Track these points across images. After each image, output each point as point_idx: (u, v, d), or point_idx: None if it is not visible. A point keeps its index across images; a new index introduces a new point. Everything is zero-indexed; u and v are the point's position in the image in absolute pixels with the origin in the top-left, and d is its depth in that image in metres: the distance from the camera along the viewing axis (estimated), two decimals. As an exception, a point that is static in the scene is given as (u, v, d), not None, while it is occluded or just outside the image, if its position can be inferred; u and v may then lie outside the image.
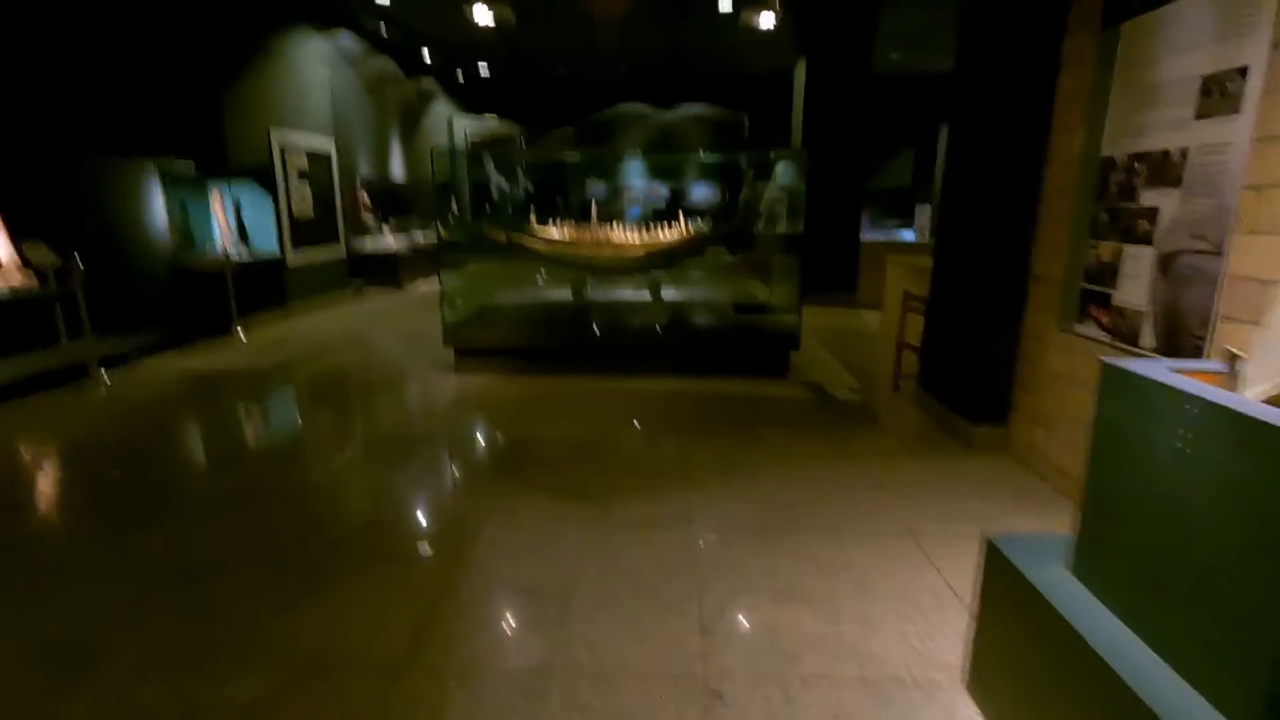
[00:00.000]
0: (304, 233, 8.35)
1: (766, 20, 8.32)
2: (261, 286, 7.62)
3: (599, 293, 6.31)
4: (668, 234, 5.80)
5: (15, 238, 5.69)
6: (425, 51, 11.97)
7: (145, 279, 7.14)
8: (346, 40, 9.88)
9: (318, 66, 8.85)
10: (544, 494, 3.35)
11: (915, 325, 4.87)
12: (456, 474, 3.70)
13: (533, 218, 6.20)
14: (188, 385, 5.34)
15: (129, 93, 6.22)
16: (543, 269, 6.41)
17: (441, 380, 5.41)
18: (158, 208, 7.21)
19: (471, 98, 15.21)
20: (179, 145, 6.75)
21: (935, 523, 3.05)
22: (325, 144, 8.93)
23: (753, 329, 5.64)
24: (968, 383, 4.07)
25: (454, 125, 14.52)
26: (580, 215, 6.77)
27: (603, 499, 3.30)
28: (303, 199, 8.33)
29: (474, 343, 5.54)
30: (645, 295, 6.23)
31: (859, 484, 3.50)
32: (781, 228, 6.20)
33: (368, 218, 11.51)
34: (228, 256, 6.86)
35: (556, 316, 5.79)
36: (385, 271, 10.49)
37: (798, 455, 3.90)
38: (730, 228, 6.57)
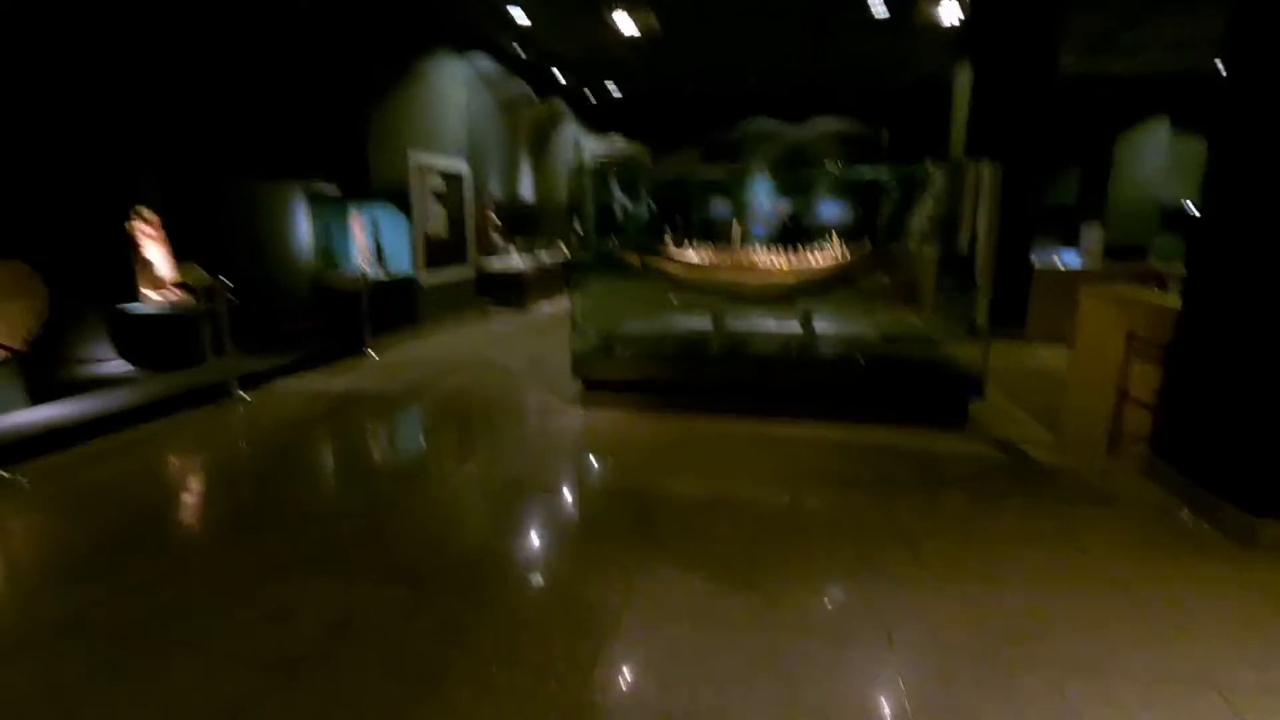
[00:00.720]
0: (437, 253, 8.37)
1: (950, 13, 7.46)
2: (395, 306, 7.65)
3: (740, 322, 5.71)
4: (820, 258, 5.12)
5: (175, 258, 5.91)
6: (557, 72, 11.98)
7: (290, 297, 7.33)
8: (484, 63, 9.98)
9: (456, 89, 8.94)
10: (691, 572, 2.77)
11: (1140, 374, 3.89)
12: (585, 538, 3.20)
13: (668, 239, 5.72)
14: (315, 410, 5.25)
15: (281, 119, 6.40)
16: (677, 295, 5.90)
17: (568, 415, 5.00)
18: (303, 229, 7.40)
19: (598, 118, 15.20)
20: (325, 168, 6.89)
21: (1248, 670, 2.17)
22: (459, 165, 8.98)
23: (922, 369, 4.82)
24: (1245, 460, 3.08)
25: (581, 145, 14.52)
26: (709, 236, 6.21)
27: (765, 586, 2.67)
28: (436, 220, 8.37)
29: (603, 375, 5.10)
30: (793, 326, 5.57)
31: (1105, 591, 2.65)
32: (939, 248, 5.33)
33: (496, 238, 11.59)
34: (364, 276, 6.90)
35: (694, 349, 5.24)
36: (510, 292, 10.44)
37: (1005, 538, 3.08)
38: (890, 250, 5.77)
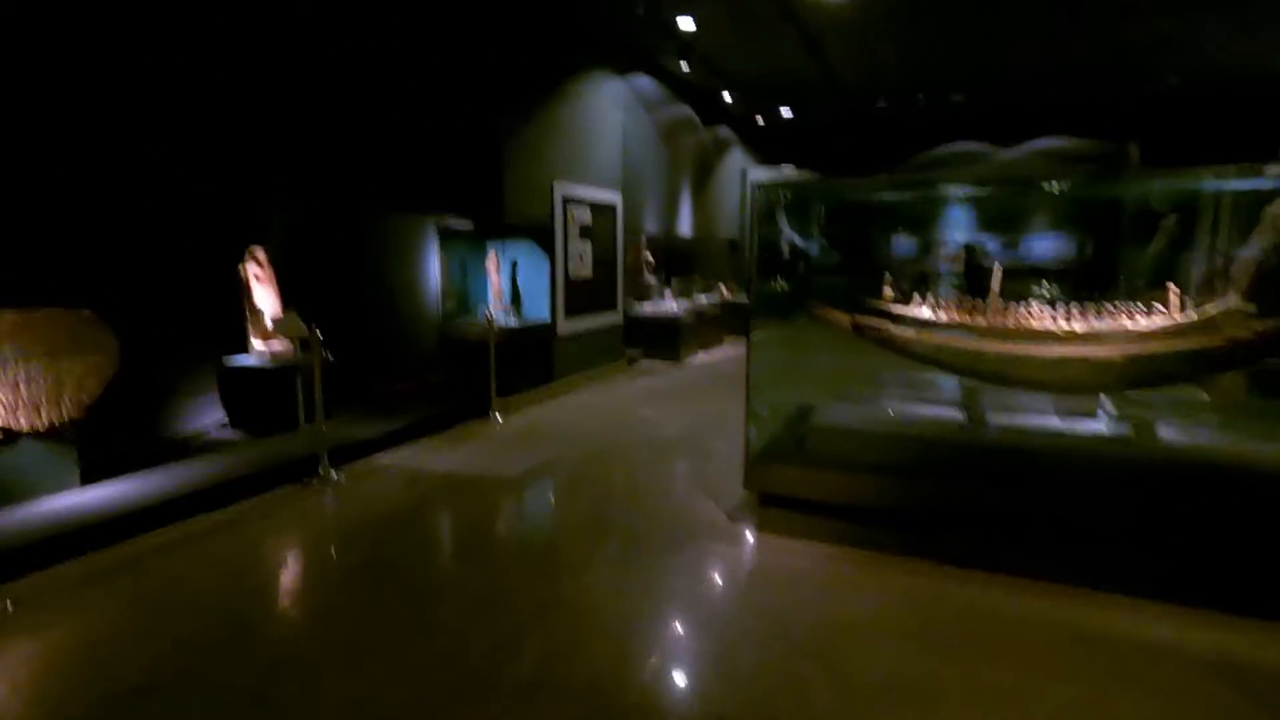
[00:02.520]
0: (579, 296, 7.22)
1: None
2: (528, 358, 6.54)
3: (1003, 412, 3.81)
4: (1151, 319, 3.13)
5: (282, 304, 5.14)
6: (726, 95, 10.68)
7: (412, 348, 6.45)
8: (643, 83, 8.89)
9: (611, 112, 7.87)
10: None
11: None
12: None
13: (886, 288, 4.00)
14: (407, 501, 4.10)
15: (409, 144, 5.55)
16: (907, 368, 4.12)
17: (735, 548, 3.41)
18: (433, 270, 6.53)
19: (768, 146, 13.70)
20: (457, 200, 5.97)
21: None
22: (611, 197, 7.85)
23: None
24: None
25: (748, 176, 13.08)
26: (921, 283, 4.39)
27: None
28: (581, 259, 7.24)
29: (790, 489, 3.44)
30: (1097, 426, 3.59)
31: None
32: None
33: (649, 278, 10.40)
34: (491, 324, 5.84)
35: (935, 455, 3.45)
36: (663, 340, 9.10)
37: None
38: None
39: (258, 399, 4.89)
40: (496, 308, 6.63)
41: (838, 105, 11.51)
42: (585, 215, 7.30)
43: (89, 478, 3.80)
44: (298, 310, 4.93)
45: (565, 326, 7.03)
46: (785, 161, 13.64)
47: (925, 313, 3.80)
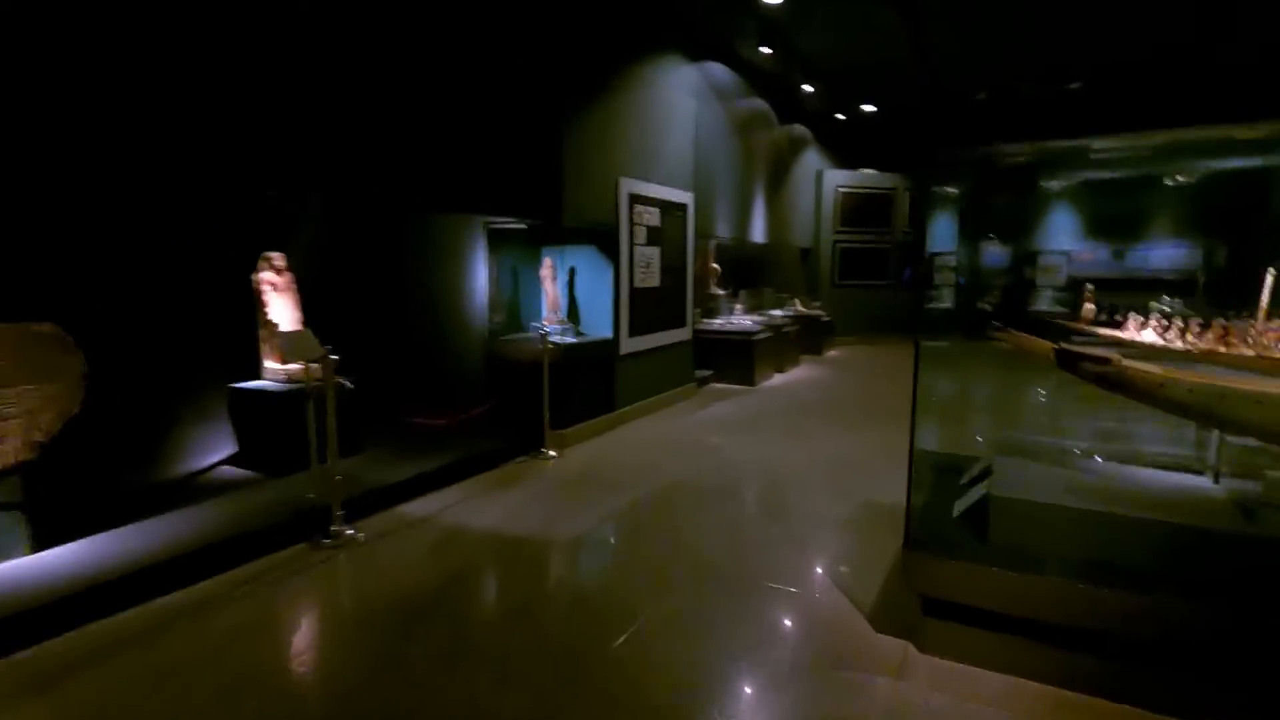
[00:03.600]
0: (645, 310, 6.27)
1: None
2: (587, 381, 5.62)
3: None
4: None
5: (307, 315, 4.35)
6: (805, 87, 9.63)
7: (455, 370, 5.60)
8: (717, 71, 7.93)
9: (683, 101, 6.93)
10: None
11: None
12: None
13: (1086, 304, 2.90)
14: (438, 572, 3.19)
15: (451, 132, 4.70)
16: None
17: (891, 682, 2.35)
18: (481, 278, 5.69)
19: (845, 147, 12.53)
20: (507, 198, 5.10)
21: None
22: (682, 196, 6.90)
23: None
24: None
25: (824, 179, 11.95)
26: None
27: None
28: (648, 266, 6.30)
29: (971, 595, 2.37)
30: None
31: None
32: None
33: (716, 290, 9.40)
34: (546, 342, 4.94)
35: (1189, 552, 2.33)
36: (734, 361, 8.06)
37: None
38: None
39: (269, 431, 4.10)
40: (552, 322, 5.74)
41: (929, 97, 10.30)
42: (653, 217, 6.36)
43: (46, 539, 3.02)
44: (322, 326, 4.13)
45: (629, 344, 6.08)
46: (863, 164, 12.45)
47: (1148, 336, 2.69)
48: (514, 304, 6.02)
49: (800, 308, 10.88)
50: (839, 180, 12.00)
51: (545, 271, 5.80)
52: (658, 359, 6.60)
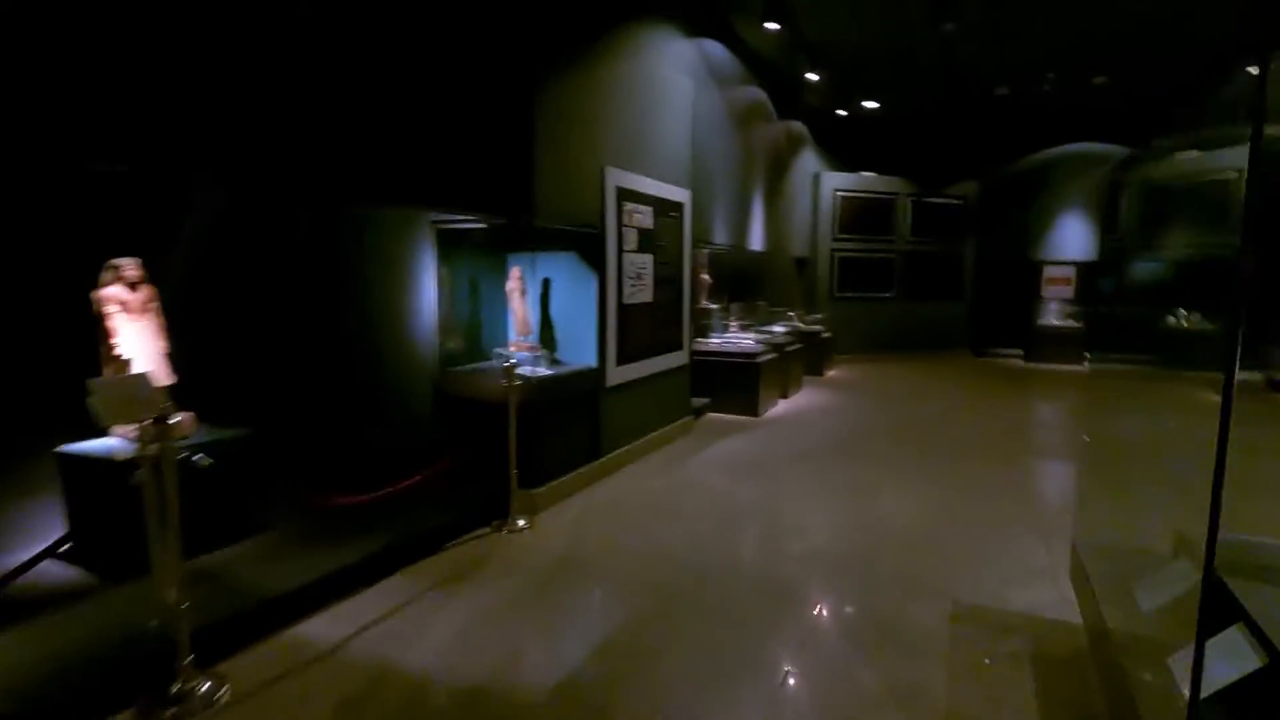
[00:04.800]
0: (637, 330, 5.13)
1: None
2: (565, 422, 4.44)
3: None
4: None
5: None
6: (810, 77, 8.61)
7: (397, 412, 4.38)
8: (716, 52, 6.85)
9: (679, 81, 5.83)
10: None
11: None
12: None
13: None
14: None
15: (390, 100, 3.49)
16: None
17: None
18: (426, 293, 4.48)
19: (844, 147, 11.58)
20: (464, 189, 3.90)
21: None
22: (678, 194, 5.78)
23: None
24: None
25: (822, 182, 10.97)
26: None
27: None
28: (640, 277, 5.16)
29: None
30: None
31: None
32: None
33: (707, 304, 8.29)
34: (512, 374, 3.76)
35: None
36: (734, 386, 6.95)
37: None
38: None
39: (107, 515, 2.84)
40: (520, 349, 4.56)
41: (944, 91, 9.38)
42: (646, 217, 5.23)
43: None
44: (204, 361, 2.90)
45: (617, 374, 4.93)
46: (863, 167, 11.51)
47: None
48: (473, 326, 4.81)
49: (799, 323, 9.84)
50: (838, 184, 11.03)
51: (513, 284, 4.61)
52: (651, 390, 5.45)
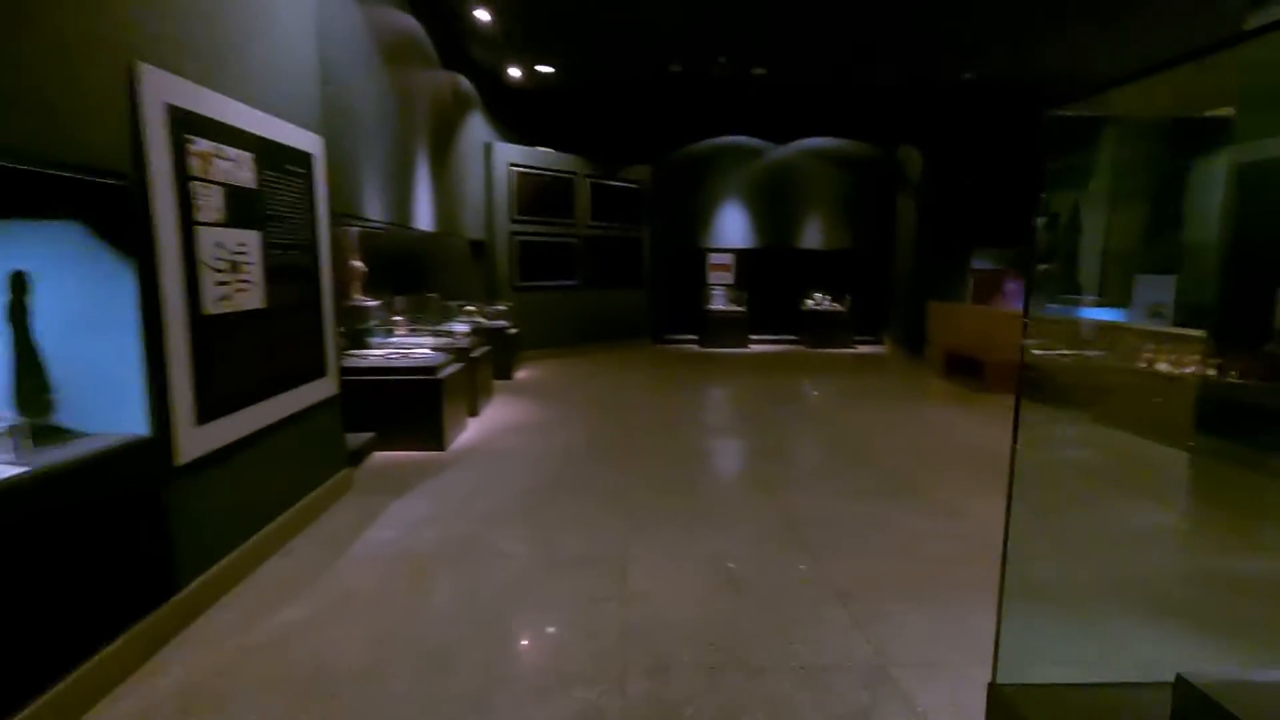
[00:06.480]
0: (239, 356, 3.06)
1: None
2: (83, 554, 2.24)
3: None
4: None
5: None
6: (480, 16, 7.02)
7: None
8: (350, -54, 4.86)
9: (289, -36, 3.74)
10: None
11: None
12: None
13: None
14: None
15: None
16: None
17: None
18: None
19: (514, 116, 10.30)
20: None
21: None
22: (301, 139, 3.74)
23: None
24: None
25: (494, 153, 9.51)
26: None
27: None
28: (236, 267, 3.07)
29: None
30: None
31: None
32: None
33: (362, 300, 6.26)
34: None
35: None
36: (410, 411, 5.19)
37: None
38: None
39: None
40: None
41: (620, 59, 8.65)
42: (240, 168, 3.14)
43: None
44: None
45: (202, 437, 2.82)
46: (537, 141, 10.39)
47: None
48: None
49: (482, 318, 8.32)
50: (513, 157, 9.71)
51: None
52: (275, 448, 3.41)
